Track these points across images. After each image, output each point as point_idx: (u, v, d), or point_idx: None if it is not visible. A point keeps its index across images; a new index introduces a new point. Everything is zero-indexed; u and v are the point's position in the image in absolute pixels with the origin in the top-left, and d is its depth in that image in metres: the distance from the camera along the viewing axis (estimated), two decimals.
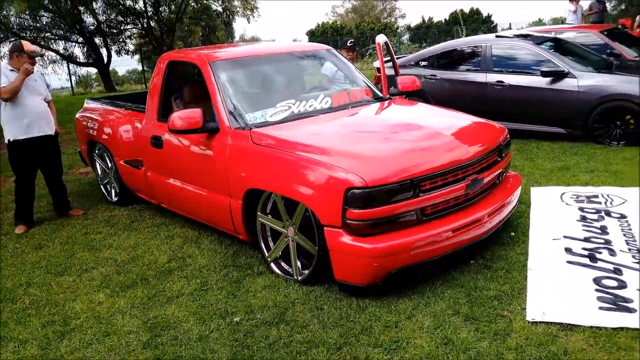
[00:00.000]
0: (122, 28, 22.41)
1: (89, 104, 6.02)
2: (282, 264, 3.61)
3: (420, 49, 21.53)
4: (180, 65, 4.67)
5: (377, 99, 4.54)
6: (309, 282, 3.40)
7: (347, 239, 3.02)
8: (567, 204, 4.43)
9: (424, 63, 7.97)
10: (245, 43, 5.21)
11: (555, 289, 3.05)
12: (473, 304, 3.01)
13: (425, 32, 31.83)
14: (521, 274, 3.34)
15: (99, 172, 5.76)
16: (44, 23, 20.39)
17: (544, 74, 6.51)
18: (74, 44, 21.98)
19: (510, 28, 26.28)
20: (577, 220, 4.04)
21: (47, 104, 5.08)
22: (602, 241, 3.65)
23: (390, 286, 3.17)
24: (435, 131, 3.59)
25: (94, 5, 20.21)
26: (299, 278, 3.44)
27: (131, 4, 21.06)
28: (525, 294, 3.07)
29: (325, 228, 3.10)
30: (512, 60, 7.08)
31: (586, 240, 3.69)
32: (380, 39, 5.20)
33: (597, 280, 3.10)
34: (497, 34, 8.26)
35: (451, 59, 7.76)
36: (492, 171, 3.59)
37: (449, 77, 7.56)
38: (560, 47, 7.27)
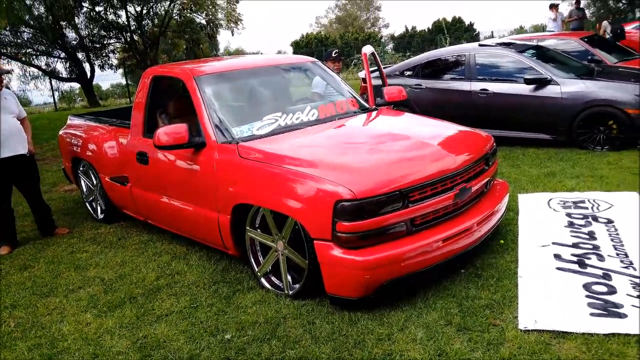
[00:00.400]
0: (105, 42, 22.24)
1: (72, 120, 5.96)
2: (273, 278, 3.59)
3: (404, 58, 21.42)
4: (165, 80, 4.63)
5: (364, 109, 4.55)
6: (300, 296, 3.37)
7: (337, 251, 3.01)
8: (554, 210, 4.45)
9: (408, 73, 8.03)
10: (230, 56, 5.21)
11: (546, 296, 3.05)
12: (465, 313, 3.01)
13: (409, 41, 32.14)
14: (512, 281, 3.34)
15: (84, 189, 5.69)
16: (25, 39, 20.17)
17: (528, 82, 6.60)
18: (56, 59, 21.78)
19: (492, 36, 26.58)
20: (565, 226, 4.07)
21: (20, 122, 4.91)
22: (591, 247, 3.67)
23: (381, 298, 3.15)
24: (422, 141, 3.61)
25: (76, 20, 20.08)
26: (290, 292, 3.42)
27: (114, 18, 21.00)
28: (517, 302, 3.07)
29: (315, 241, 3.09)
30: (495, 68, 7.17)
31: (575, 246, 3.71)
32: (367, 49, 5.22)
33: (587, 286, 3.11)
34: (480, 42, 8.33)
35: (436, 68, 7.83)
36: (480, 180, 3.60)
37: (434, 86, 7.61)
38: (543, 54, 7.37)
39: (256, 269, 3.66)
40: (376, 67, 6.02)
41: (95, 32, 21.38)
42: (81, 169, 5.62)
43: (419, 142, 3.60)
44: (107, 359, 2.97)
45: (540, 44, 8.70)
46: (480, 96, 7.07)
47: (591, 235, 3.86)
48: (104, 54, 22.75)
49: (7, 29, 17.80)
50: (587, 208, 4.41)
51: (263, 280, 3.62)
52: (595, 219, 4.17)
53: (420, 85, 7.71)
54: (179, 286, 3.81)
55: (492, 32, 28.40)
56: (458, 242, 3.26)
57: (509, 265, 3.58)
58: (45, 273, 4.33)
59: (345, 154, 3.49)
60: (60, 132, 5.97)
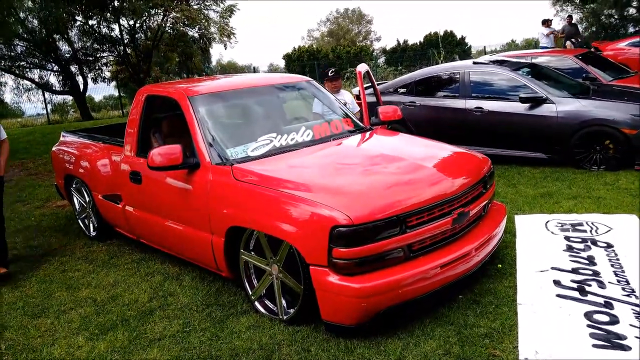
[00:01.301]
0: (98, 55, 22.13)
1: (65, 137, 5.88)
2: (267, 302, 3.50)
3: (396, 73, 21.19)
4: (159, 99, 4.57)
5: (359, 129, 4.48)
6: (295, 321, 3.28)
7: (333, 278, 2.92)
8: (552, 232, 4.36)
9: (402, 90, 7.97)
10: (224, 75, 5.11)
11: (547, 326, 2.97)
12: (464, 342, 2.92)
13: (401, 55, 31.96)
14: (511, 309, 3.25)
15: (77, 206, 5.60)
16: (19, 52, 20.13)
17: (523, 100, 6.54)
18: (49, 72, 21.72)
19: (485, 51, 26.39)
20: (564, 250, 3.98)
21: None
22: (591, 272, 3.58)
23: (378, 325, 3.06)
24: (420, 164, 3.53)
25: (69, 33, 20.05)
26: (285, 317, 3.33)
27: (107, 31, 20.92)
28: (516, 330, 2.99)
29: (310, 267, 3.01)
30: (490, 86, 7.11)
31: (574, 271, 3.62)
32: (362, 68, 5.15)
33: (588, 315, 3.02)
34: (475, 60, 8.31)
35: (430, 86, 7.75)
36: (478, 203, 3.55)
37: (428, 103, 7.54)
38: (537, 72, 7.33)
39: (250, 293, 3.57)
40: (370, 85, 5.97)
41: (88, 45, 21.32)
42: (74, 186, 5.53)
43: (416, 164, 3.53)
44: None
45: (535, 61, 8.67)
46: (475, 114, 7.01)
47: (591, 260, 3.77)
48: (97, 67, 22.63)
49: (1, 42, 17.74)
50: (585, 231, 4.32)
51: (257, 304, 3.53)
52: (594, 242, 4.07)
53: (414, 102, 7.64)
54: (171, 308, 3.72)
55: (484, 47, 28.31)
56: (456, 267, 3.19)
57: (508, 291, 3.50)
58: (36, 292, 4.24)
59: (341, 176, 3.42)
60: (54, 149, 5.89)
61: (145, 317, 3.64)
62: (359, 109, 6.02)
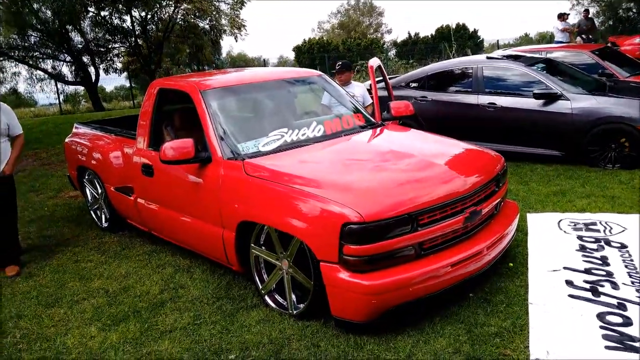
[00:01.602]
0: (109, 47, 22.21)
1: (78, 128, 5.91)
2: (277, 297, 3.50)
3: (407, 66, 20.70)
4: (172, 92, 4.54)
5: (370, 125, 4.43)
6: (305, 316, 3.28)
7: (344, 275, 2.91)
8: (565, 232, 4.28)
9: (414, 84, 7.80)
10: (235, 69, 5.04)
11: (559, 326, 2.92)
12: (474, 341, 2.90)
13: (412, 49, 31.15)
14: (522, 308, 3.22)
15: (89, 197, 5.63)
16: (32, 42, 20.26)
17: (537, 96, 6.41)
18: (62, 62, 21.87)
19: (498, 46, 25.60)
20: (577, 250, 3.91)
21: (8, 142, 4.62)
22: (604, 273, 3.52)
23: (388, 322, 3.06)
24: (432, 161, 3.49)
25: (81, 24, 20.13)
26: (294, 312, 3.33)
27: (119, 22, 20.97)
28: (528, 330, 2.96)
29: (321, 263, 3.00)
30: (503, 81, 6.97)
31: (587, 272, 3.56)
32: (374, 62, 5.06)
33: (601, 316, 2.98)
34: (488, 55, 8.09)
35: (442, 81, 7.58)
36: (490, 202, 3.50)
37: (440, 98, 7.37)
38: (552, 68, 7.16)
39: (260, 287, 3.58)
40: (382, 79, 5.92)
41: (100, 36, 21.39)
42: (86, 177, 5.56)
43: (428, 161, 3.49)
44: None
45: (550, 56, 8.47)
46: (487, 110, 6.85)
47: (604, 261, 3.70)
48: (108, 58, 22.72)
49: (15, 32, 17.85)
50: (599, 231, 4.23)
51: (267, 298, 3.53)
52: (607, 243, 4.00)
53: (426, 97, 7.47)
54: (182, 301, 3.73)
55: (497, 40, 27.53)
56: (467, 266, 3.15)
57: (519, 290, 3.45)
58: (50, 282, 4.28)
59: (352, 172, 3.40)
60: (67, 140, 5.91)
61: (156, 308, 3.65)
62: (371, 101, 5.97)
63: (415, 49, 30.73)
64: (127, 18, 20.68)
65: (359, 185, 3.14)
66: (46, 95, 23.33)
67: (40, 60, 21.35)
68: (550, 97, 6.36)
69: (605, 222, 4.42)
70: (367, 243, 2.85)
